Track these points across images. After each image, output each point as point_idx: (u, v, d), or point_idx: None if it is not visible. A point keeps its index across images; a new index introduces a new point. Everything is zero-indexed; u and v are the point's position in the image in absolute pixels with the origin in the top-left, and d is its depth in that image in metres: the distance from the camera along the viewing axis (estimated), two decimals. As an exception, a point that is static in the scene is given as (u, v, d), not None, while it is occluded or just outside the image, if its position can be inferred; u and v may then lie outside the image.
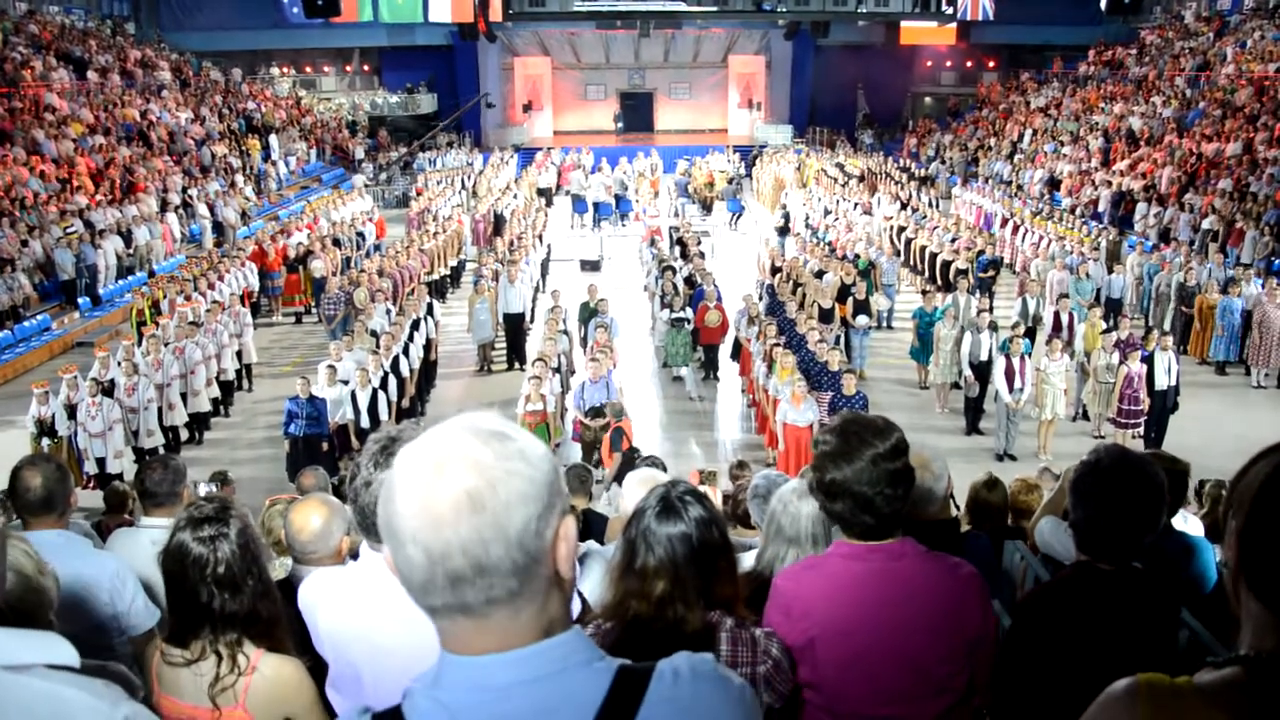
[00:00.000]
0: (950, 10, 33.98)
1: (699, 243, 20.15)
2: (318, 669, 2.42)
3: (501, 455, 1.16)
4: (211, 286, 16.35)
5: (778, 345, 12.19)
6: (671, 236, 21.42)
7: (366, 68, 40.75)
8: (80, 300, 18.57)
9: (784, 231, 22.32)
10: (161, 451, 11.63)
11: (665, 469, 7.13)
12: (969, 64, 40.55)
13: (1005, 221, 22.53)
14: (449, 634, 1.21)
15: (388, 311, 14.87)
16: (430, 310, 14.89)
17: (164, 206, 23.03)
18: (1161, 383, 11.87)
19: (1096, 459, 2.54)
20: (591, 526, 5.34)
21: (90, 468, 11.17)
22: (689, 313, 14.87)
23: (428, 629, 2.00)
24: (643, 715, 1.20)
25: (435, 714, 1.20)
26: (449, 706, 1.19)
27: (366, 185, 29.68)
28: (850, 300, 15.01)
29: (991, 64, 40.14)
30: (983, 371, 12.59)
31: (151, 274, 19.80)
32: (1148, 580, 2.55)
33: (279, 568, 3.31)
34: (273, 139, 31.02)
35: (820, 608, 2.32)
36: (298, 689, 2.46)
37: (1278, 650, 1.20)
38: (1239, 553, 1.24)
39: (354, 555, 3.03)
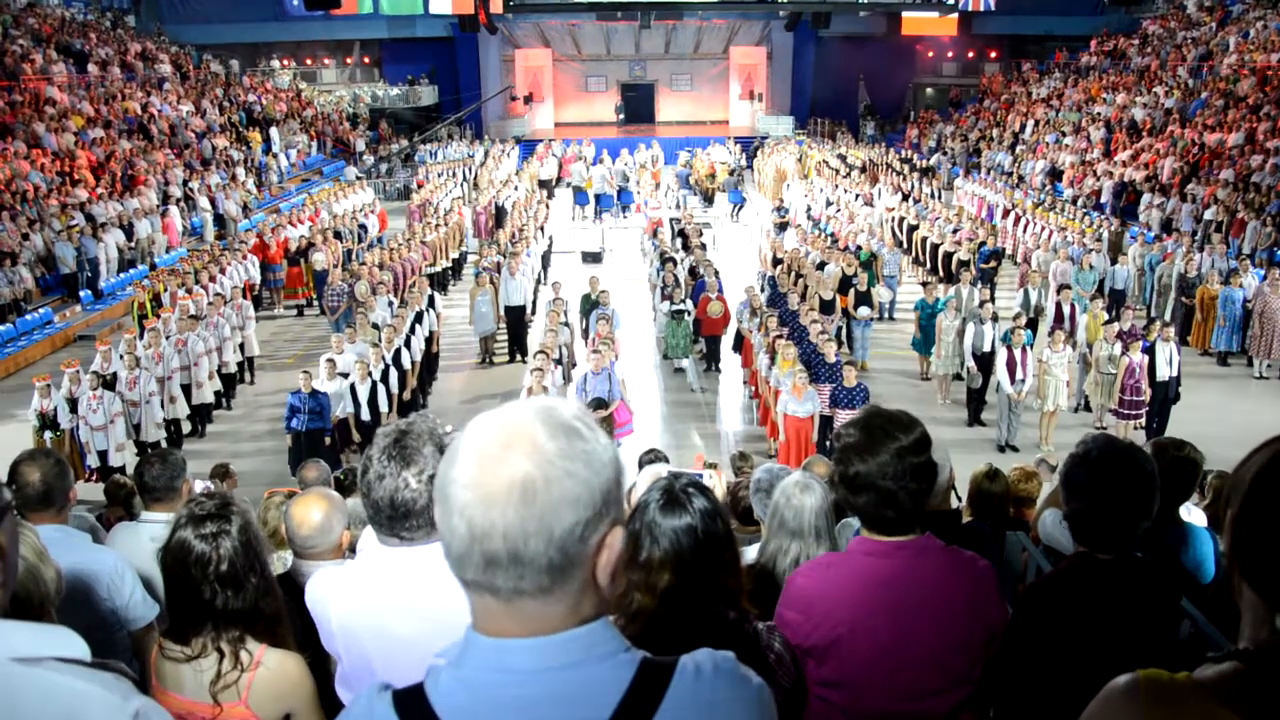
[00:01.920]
0: (951, 1, 33.88)
1: (700, 234, 20.13)
2: (317, 664, 2.41)
3: (566, 453, 1.16)
4: (213, 279, 16.34)
5: (780, 337, 12.19)
6: (673, 228, 21.39)
7: (367, 60, 40.69)
8: (82, 293, 18.58)
9: (783, 227, 22.27)
10: (164, 445, 11.64)
11: (668, 461, 7.13)
12: (970, 54, 40.44)
13: (1007, 212, 22.51)
14: (479, 611, 1.21)
15: (389, 304, 14.87)
16: (432, 302, 14.87)
17: (165, 199, 23.02)
18: (1163, 373, 11.86)
19: (1086, 450, 2.54)
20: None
21: (92, 461, 11.19)
22: (690, 304, 14.86)
23: (441, 622, 2.00)
24: (663, 709, 1.20)
25: (456, 693, 1.21)
26: (470, 685, 1.20)
27: (358, 177, 29.63)
28: (852, 291, 15.00)
29: (993, 54, 40.05)
30: (985, 363, 12.58)
31: (153, 267, 19.81)
32: (1147, 570, 2.54)
33: (277, 562, 3.31)
34: (273, 131, 30.99)
35: (845, 607, 2.31)
36: (299, 684, 2.46)
37: (1274, 642, 1.20)
38: (1233, 540, 1.24)
39: (351, 549, 3.03)
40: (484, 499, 1.13)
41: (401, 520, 2.05)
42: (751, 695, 1.29)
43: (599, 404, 11.16)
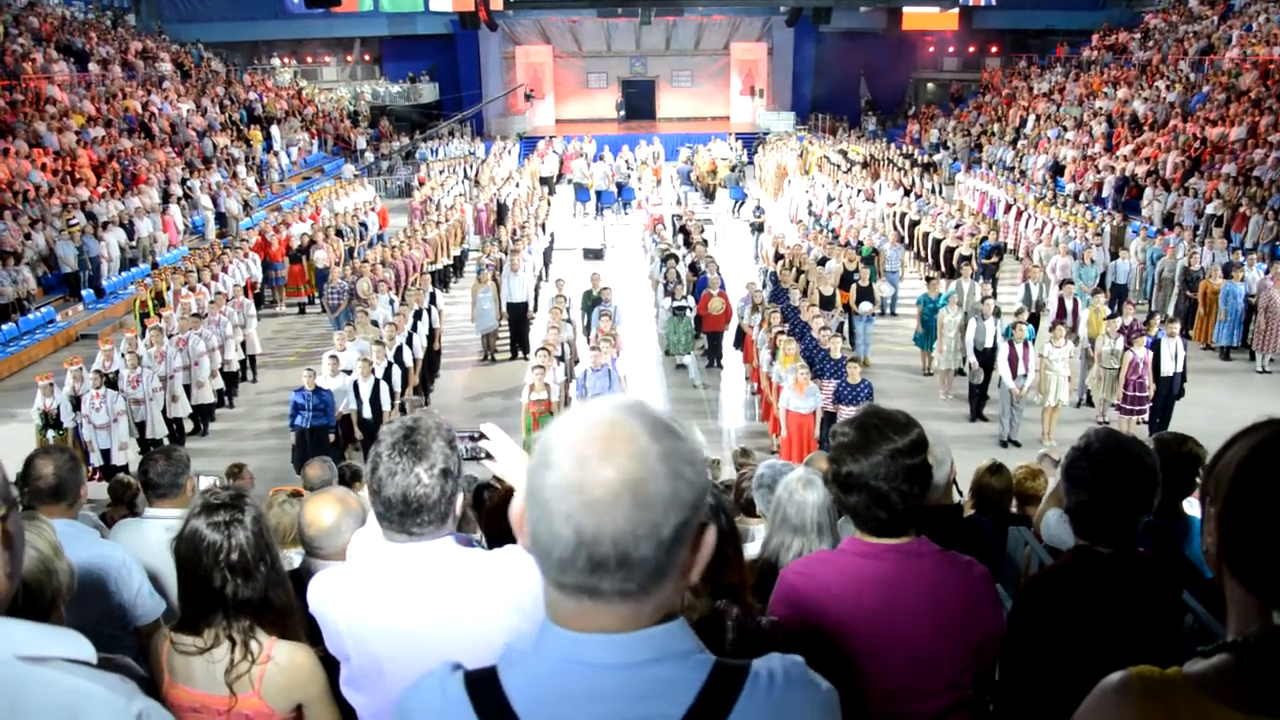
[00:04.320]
0: (952, -4, 33.91)
1: (702, 230, 20.13)
2: (327, 659, 2.42)
3: (672, 454, 1.15)
4: (215, 278, 16.34)
5: (781, 333, 12.19)
6: (674, 224, 21.38)
7: (367, 57, 40.68)
8: (84, 292, 18.60)
9: (760, 228, 22.24)
10: (166, 443, 11.65)
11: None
12: (971, 49, 40.38)
13: (1009, 207, 22.47)
14: (563, 608, 1.21)
15: (391, 301, 14.87)
16: (433, 300, 14.88)
17: (166, 198, 23.03)
18: (1168, 368, 11.84)
19: (1087, 444, 2.54)
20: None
21: (96, 459, 11.19)
22: (691, 301, 14.85)
23: (452, 617, 2.01)
24: (736, 711, 1.20)
25: (530, 680, 1.21)
26: (544, 675, 1.20)
27: (356, 175, 29.62)
28: (854, 287, 14.99)
29: (994, 49, 39.97)
30: (987, 358, 12.57)
31: (155, 266, 19.82)
32: (1148, 563, 2.55)
33: (284, 560, 3.32)
34: (274, 129, 30.98)
35: (832, 605, 2.30)
36: (310, 676, 2.48)
37: (1264, 634, 1.20)
38: (1220, 537, 1.23)
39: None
40: (592, 503, 1.12)
41: (413, 516, 2.04)
42: (821, 700, 1.29)
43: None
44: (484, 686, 1.23)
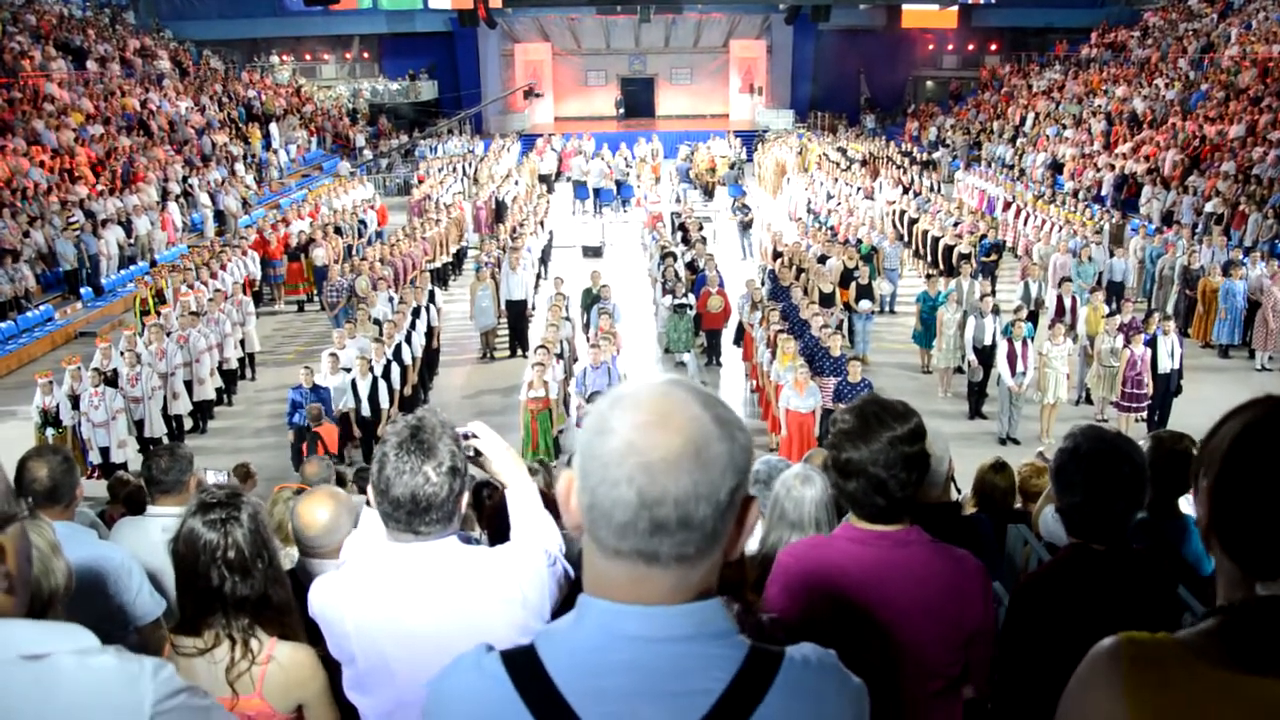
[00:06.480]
0: (952, -7, 33.89)
1: (701, 228, 20.12)
2: (327, 659, 2.42)
3: (722, 419, 1.20)
4: (214, 275, 16.34)
5: (781, 331, 12.19)
6: (673, 222, 21.38)
7: (366, 55, 40.66)
8: (83, 290, 18.59)
9: (747, 226, 22.24)
10: (166, 441, 11.65)
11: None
12: (971, 47, 40.38)
13: (1008, 205, 22.48)
14: (609, 578, 1.22)
15: (390, 299, 14.87)
16: (432, 298, 14.87)
17: (165, 196, 23.00)
18: (1165, 366, 11.85)
19: (1075, 444, 2.55)
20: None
21: (95, 458, 11.19)
22: (691, 299, 14.85)
23: (461, 615, 2.01)
24: (775, 689, 1.22)
25: (569, 655, 1.23)
26: (586, 648, 1.22)
27: (352, 172, 29.58)
28: (853, 285, 15.00)
29: (993, 47, 39.97)
30: (986, 356, 12.59)
31: (153, 264, 19.81)
32: (1143, 560, 2.56)
33: (285, 558, 3.31)
34: (273, 127, 30.94)
35: (821, 588, 2.32)
36: (311, 675, 2.49)
37: (1249, 600, 1.23)
38: (1210, 511, 1.27)
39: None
40: (653, 465, 1.15)
41: (422, 515, 2.04)
42: (853, 692, 1.32)
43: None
44: (523, 662, 1.25)
